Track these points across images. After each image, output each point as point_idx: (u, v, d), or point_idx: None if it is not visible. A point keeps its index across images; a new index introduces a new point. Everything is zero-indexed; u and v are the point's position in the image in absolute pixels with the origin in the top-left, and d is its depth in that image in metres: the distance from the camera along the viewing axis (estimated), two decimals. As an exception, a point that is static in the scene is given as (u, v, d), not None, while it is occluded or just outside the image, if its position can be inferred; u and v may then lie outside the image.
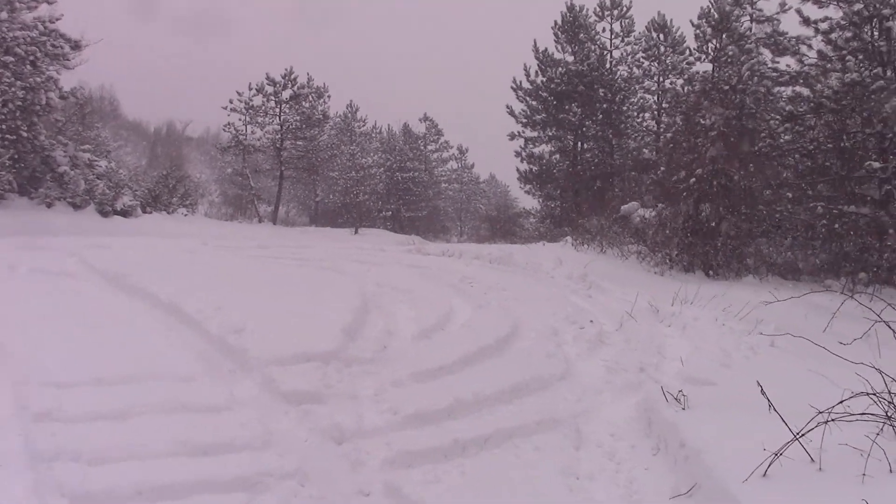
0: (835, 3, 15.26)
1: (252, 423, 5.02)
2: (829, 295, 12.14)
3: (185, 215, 29.31)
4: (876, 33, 15.00)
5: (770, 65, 17.87)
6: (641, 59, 33.03)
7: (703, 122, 14.84)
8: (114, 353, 6.15)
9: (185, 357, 6.30)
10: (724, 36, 22.44)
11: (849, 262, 14.17)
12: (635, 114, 33.44)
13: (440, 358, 6.69)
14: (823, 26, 15.52)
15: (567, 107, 32.32)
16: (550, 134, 33.74)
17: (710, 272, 14.22)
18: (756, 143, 15.53)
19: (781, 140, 16.43)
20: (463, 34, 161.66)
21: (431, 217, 54.92)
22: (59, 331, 6.71)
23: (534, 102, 33.18)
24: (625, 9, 33.15)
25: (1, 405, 4.84)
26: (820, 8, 15.55)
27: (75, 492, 3.95)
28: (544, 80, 32.62)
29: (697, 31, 27.50)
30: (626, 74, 33.35)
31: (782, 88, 18.25)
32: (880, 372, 4.32)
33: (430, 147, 59.79)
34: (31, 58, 21.09)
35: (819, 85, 15.48)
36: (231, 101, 41.12)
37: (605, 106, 32.29)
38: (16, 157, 20.48)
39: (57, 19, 22.25)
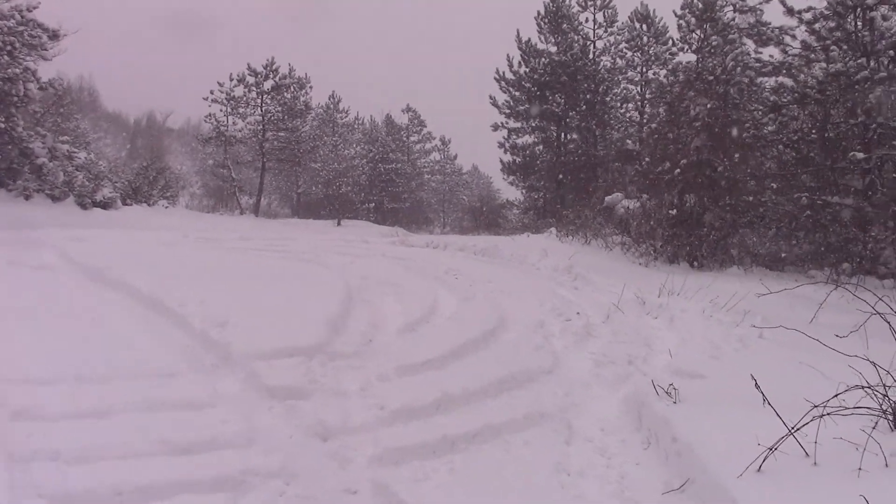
0: (818, -8, 15.25)
1: (236, 419, 4.92)
2: (814, 285, 12.24)
3: (166, 207, 29.04)
4: (859, 23, 14.99)
5: (753, 55, 17.87)
6: (624, 50, 33.02)
7: (691, 112, 14.79)
8: (94, 348, 6.02)
9: (167, 352, 6.17)
10: (707, 26, 22.41)
11: (832, 253, 14.20)
12: (618, 104, 33.45)
13: (426, 351, 6.61)
14: (807, 16, 15.48)
15: (550, 97, 32.25)
16: (534, 125, 33.68)
17: (695, 263, 14.22)
18: (741, 133, 15.52)
19: (765, 131, 16.41)
20: (445, 24, 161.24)
21: (414, 208, 54.80)
22: (37, 326, 6.58)
23: (517, 93, 33.10)
24: (608, -1, 33.13)
25: (-24, 404, 4.71)
26: (803, -3, 15.55)
27: (53, 492, 3.84)
28: (527, 70, 32.53)
29: (681, 22, 27.47)
30: (609, 65, 33.34)
31: (765, 79, 18.26)
32: (874, 365, 4.27)
33: (412, 138, 59.69)
34: (8, 48, 20.77)
35: (802, 75, 15.48)
36: (212, 92, 40.86)
37: (588, 97, 32.25)
38: (-7, 148, 20.21)
39: (34, 8, 21.92)
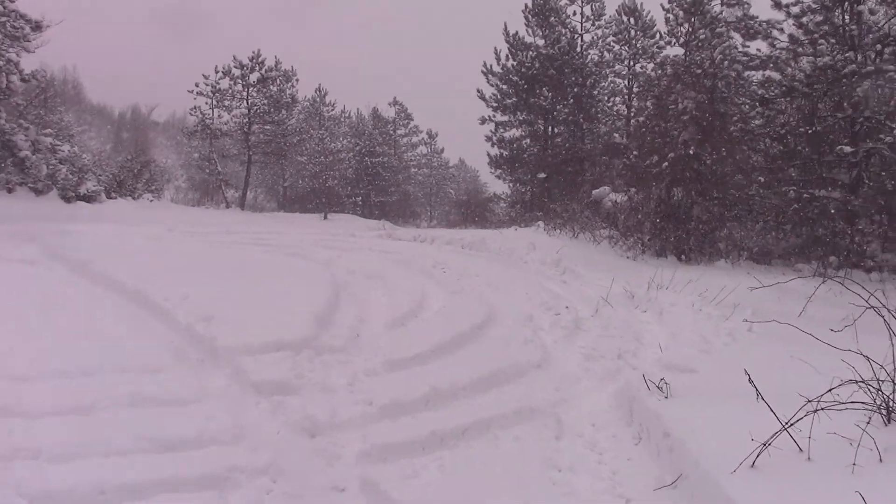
0: (806, -14, 15.27)
1: (221, 415, 4.84)
2: (800, 278, 12.25)
3: (151, 201, 28.76)
4: (847, 17, 15.02)
5: (740, 49, 17.88)
6: (612, 43, 32.98)
7: (679, 105, 14.76)
8: (77, 344, 5.92)
9: (152, 347, 6.08)
10: (695, 20, 22.41)
11: (819, 246, 14.22)
12: (606, 98, 33.42)
13: (415, 346, 6.55)
14: (794, 10, 15.52)
15: (538, 91, 32.19)
16: (521, 118, 33.61)
17: (683, 257, 14.21)
18: (728, 127, 15.52)
19: (753, 124, 16.42)
20: (433, 18, 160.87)
21: (401, 202, 54.62)
22: (18, 321, 6.47)
23: (504, 86, 33.02)
24: (596, -8, 33.05)
25: (-46, 401, 4.61)
26: (791, -9, 15.56)
27: (34, 491, 3.75)
28: (515, 63, 32.45)
29: (668, 15, 27.46)
30: (596, 58, 33.28)
31: (752, 73, 18.28)
32: (868, 359, 4.23)
33: (399, 131, 59.47)
34: (-10, 39, 20.52)
35: (790, 69, 15.49)
36: (197, 85, 40.51)
37: (575, 90, 32.19)
38: (-26, 141, 19.95)
39: (16, -2, 21.64)
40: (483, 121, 33.66)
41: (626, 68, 32.93)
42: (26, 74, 22.63)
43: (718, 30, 18.78)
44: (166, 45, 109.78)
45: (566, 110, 32.91)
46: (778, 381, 4.83)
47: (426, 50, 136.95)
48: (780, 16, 16.01)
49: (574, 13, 33.51)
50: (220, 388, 5.35)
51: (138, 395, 5.00)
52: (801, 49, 15.57)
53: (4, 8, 21.19)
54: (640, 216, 15.56)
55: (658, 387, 5.13)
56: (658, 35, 30.93)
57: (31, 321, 6.50)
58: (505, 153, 33.71)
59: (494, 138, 33.91)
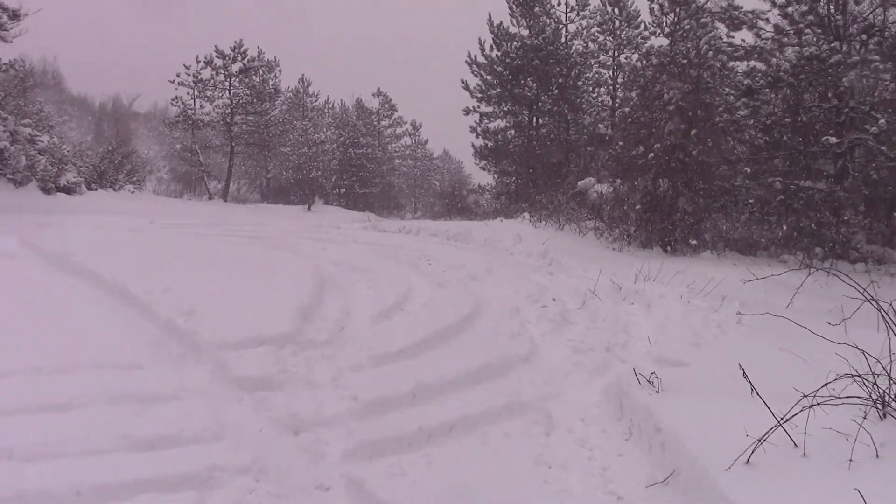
0: (791, -25, 15.22)
1: (203, 413, 4.72)
2: (797, 271, 12.23)
3: (132, 192, 28.50)
4: (832, 7, 14.98)
5: (725, 39, 17.80)
6: (596, 34, 32.83)
7: (665, 95, 14.68)
8: (54, 339, 5.79)
9: (131, 342, 5.95)
10: (680, 10, 22.33)
11: (805, 238, 14.22)
12: (591, 89, 33.28)
13: (401, 339, 6.45)
14: (780, 0, 15.46)
15: (522, 81, 32.05)
16: (506, 109, 33.46)
17: (668, 248, 14.17)
18: (713, 117, 15.47)
19: (738, 115, 16.37)
20: (416, 7, 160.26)
21: (385, 193, 54.44)
22: (-7, 316, 6.31)
23: (489, 77, 32.86)
24: (580, -18, 32.91)
25: (-74, 399, 4.47)
26: (776, -19, 15.51)
27: (7, 492, 3.64)
28: (499, 54, 32.28)
29: (653, 6, 27.35)
30: (581, 49, 33.13)
31: (737, 63, 18.22)
32: (863, 352, 4.15)
33: (383, 122, 59.20)
34: (-34, 28, 20.17)
35: (775, 59, 15.45)
36: (178, 75, 40.07)
37: (560, 81, 32.06)
38: (-49, 132, 19.62)
39: (-8, -13, 21.28)
40: (467, 111, 33.48)
41: (611, 59, 32.82)
42: (4, 64, 22.29)
43: (703, 20, 18.65)
44: (149, 34, 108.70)
45: (551, 101, 32.78)
46: (770, 374, 4.76)
47: (410, 40, 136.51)
48: (764, 6, 15.97)
49: (558, 3, 33.33)
50: (201, 385, 5.23)
51: (117, 392, 4.88)
52: (786, 39, 15.52)
53: (-20, -3, 20.84)
54: (625, 207, 15.51)
55: (649, 381, 5.05)
56: (643, 25, 30.84)
57: (6, 315, 6.35)
58: (490, 144, 33.55)
59: (479, 129, 33.75)
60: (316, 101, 55.76)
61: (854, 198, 13.96)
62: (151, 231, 13.53)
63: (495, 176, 35.12)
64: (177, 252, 10.23)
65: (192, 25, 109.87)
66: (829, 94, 14.31)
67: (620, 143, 16.92)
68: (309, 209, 36.14)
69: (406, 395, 5.21)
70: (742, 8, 17.06)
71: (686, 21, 20.81)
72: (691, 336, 6.95)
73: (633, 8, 31.77)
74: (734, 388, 4.48)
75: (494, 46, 32.38)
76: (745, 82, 15.84)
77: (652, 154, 14.41)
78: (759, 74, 15.95)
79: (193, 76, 40.34)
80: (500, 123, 34.07)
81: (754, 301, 8.30)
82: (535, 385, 5.63)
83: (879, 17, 14.63)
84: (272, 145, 45.00)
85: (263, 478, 4.08)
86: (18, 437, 4.12)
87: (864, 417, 3.87)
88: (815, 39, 14.65)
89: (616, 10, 32.01)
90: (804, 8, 15.15)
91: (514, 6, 32.70)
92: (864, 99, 14.49)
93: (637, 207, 14.78)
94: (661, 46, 23.89)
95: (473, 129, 33.71)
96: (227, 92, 40.95)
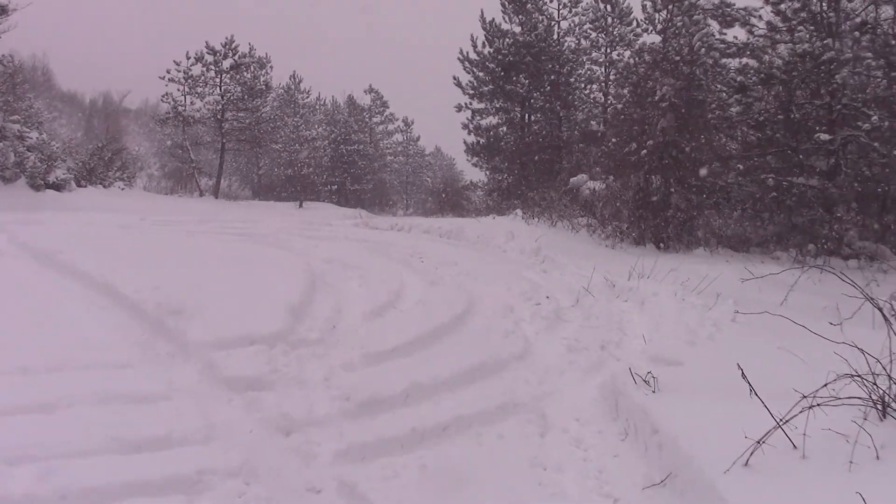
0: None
1: (192, 413, 4.64)
2: (779, 266, 12.20)
3: (123, 189, 28.30)
4: (824, 4, 14.96)
5: (718, 36, 17.78)
6: (589, 31, 32.79)
7: (658, 92, 14.63)
8: (41, 338, 5.69)
9: (120, 341, 5.86)
10: (673, 6, 22.29)
11: (797, 234, 14.21)
12: (583, 85, 33.23)
13: (393, 338, 6.37)
14: (773, -4, 15.45)
15: (515, 78, 31.99)
16: (498, 106, 33.39)
17: (661, 245, 14.14)
18: (706, 114, 15.45)
19: (730, 112, 16.36)
20: (408, 4, 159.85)
21: (377, 190, 54.26)
22: (-21, 315, 6.21)
23: (481, 74, 32.78)
24: (572, -22, 32.85)
25: None
26: (769, -23, 15.49)
27: (-10, 496, 3.54)
28: (491, 50, 32.20)
29: (645, 2, 27.33)
30: (573, 45, 33.09)
31: (729, 60, 18.20)
32: (862, 352, 4.10)
33: (375, 119, 59.09)
34: (-47, 23, 19.98)
35: (767, 56, 15.43)
36: (169, 71, 39.79)
37: (552, 77, 32.01)
38: (-62, 128, 19.44)
39: (-20, -19, 21.09)
40: (459, 108, 33.40)
41: (603, 55, 32.80)
42: (-7, 60, 22.12)
43: (696, 17, 18.62)
44: (138, 25, 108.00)
45: (543, 98, 32.73)
46: (767, 373, 4.70)
47: (402, 36, 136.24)
48: (757, 3, 15.95)
49: (551, 0, 33.32)
50: (190, 385, 5.15)
51: (105, 393, 4.79)
52: (778, 36, 15.50)
53: (-33, -9, 20.66)
54: (618, 204, 15.48)
55: (645, 380, 4.98)
56: (635, 22, 30.84)
57: (-7, 315, 6.24)
58: (482, 141, 33.48)
59: (471, 126, 33.66)
60: (307, 97, 55.54)
61: (846, 194, 13.95)
62: (141, 228, 13.43)
63: (487, 173, 35.05)
64: (167, 250, 10.13)
65: (184, 21, 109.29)
66: (822, 91, 14.29)
67: (613, 139, 16.90)
68: (300, 206, 35.99)
69: (399, 395, 5.14)
70: (734, 5, 17.03)
71: (679, 18, 20.75)
72: (686, 334, 6.89)
73: (625, 5, 31.78)
74: (731, 388, 4.42)
75: (486, 43, 32.30)
76: (738, 79, 15.83)
77: (645, 151, 14.38)
78: (752, 71, 15.93)
79: (184, 72, 40.10)
80: (493, 120, 33.99)
81: (749, 298, 8.25)
82: (530, 384, 5.57)
83: (871, 15, 14.62)
84: (263, 142, 44.80)
85: (254, 480, 4.00)
86: (3, 438, 4.03)
87: (865, 418, 3.81)
88: (807, 36, 14.63)
89: (608, 7, 31.99)
90: (797, 5, 15.14)
91: (507, 3, 32.63)
92: (857, 96, 14.48)
93: (629, 204, 14.76)
94: (653, 43, 23.92)
95: (465, 126, 33.62)
96: (218, 88, 40.70)
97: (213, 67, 40.41)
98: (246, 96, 41.15)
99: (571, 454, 4.52)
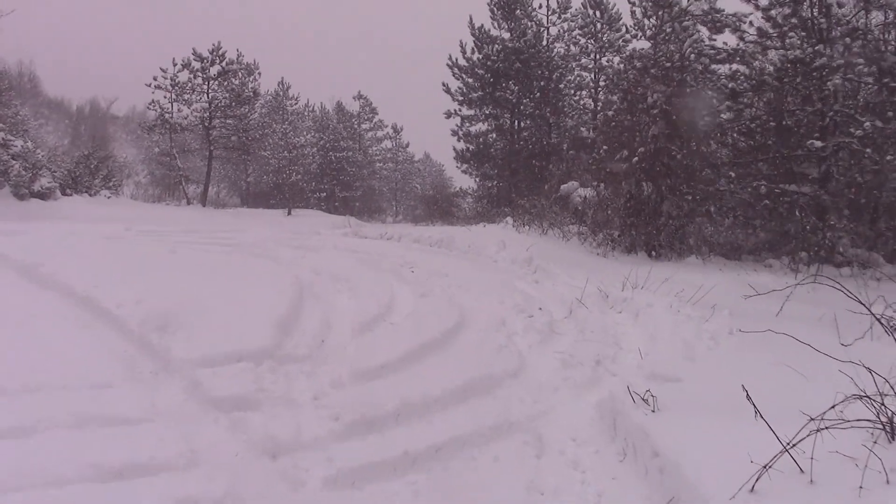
0: (774, -22, 15.12)
1: (175, 437, 4.45)
2: (772, 274, 12.12)
3: (109, 197, 28.04)
4: (815, 10, 14.90)
5: (707, 42, 17.71)
6: (578, 37, 32.80)
7: (649, 99, 14.53)
8: (17, 356, 5.50)
9: (102, 359, 5.66)
10: (663, 12, 22.26)
11: (790, 242, 14.13)
12: (572, 92, 33.24)
13: (384, 354, 6.20)
14: (763, 2, 15.36)
15: (504, 84, 31.93)
16: (487, 112, 33.32)
17: (653, 253, 14.02)
18: (697, 121, 15.35)
19: (721, 118, 16.28)
20: (397, 10, 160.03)
21: (366, 197, 54.09)
22: (-46, 333, 6.01)
23: (470, 80, 32.70)
24: (561, -15, 32.85)
25: None
26: (759, -17, 15.41)
27: (-39, 531, 3.37)
28: (481, 57, 32.14)
29: (634, 8, 27.34)
30: (562, 52, 33.09)
31: (719, 66, 18.13)
32: (870, 371, 3.96)
33: (364, 126, 58.97)
34: (-64, 30, 19.72)
35: (758, 62, 15.36)
36: (155, 78, 39.54)
37: (542, 84, 31.98)
38: (-80, 136, 19.17)
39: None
40: (449, 115, 33.32)
41: (593, 62, 32.79)
42: (-24, 67, 21.85)
43: (685, 23, 18.56)
44: (126, 32, 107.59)
45: (532, 104, 32.68)
46: (768, 391, 4.55)
47: (391, 43, 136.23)
48: (747, 9, 15.86)
49: (540, 6, 33.32)
50: (174, 405, 4.96)
51: (84, 415, 4.60)
52: (769, 42, 15.43)
53: (-49, -2, 20.41)
54: (609, 212, 15.36)
55: (644, 399, 4.83)
56: (624, 28, 30.85)
57: (-33, 331, 6.05)
58: (471, 147, 33.39)
59: (461, 132, 33.60)
60: (296, 104, 55.37)
61: (838, 201, 13.88)
62: (127, 238, 13.20)
63: (477, 179, 34.99)
64: (152, 261, 9.91)
65: (171, 28, 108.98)
66: (814, 98, 14.23)
67: (604, 146, 16.79)
68: (289, 214, 35.77)
69: (390, 415, 4.97)
70: (724, 11, 16.96)
71: (668, 24, 20.70)
72: (684, 349, 6.73)
73: (614, 11, 31.81)
74: (732, 407, 4.28)
75: (476, 49, 32.27)
76: (730, 85, 15.75)
77: (636, 158, 14.27)
78: (743, 77, 15.86)
79: (171, 79, 39.85)
80: (482, 127, 33.96)
81: (744, 310, 8.14)
82: (525, 403, 5.41)
83: (862, 20, 14.58)
84: (251, 149, 44.57)
85: (239, 509, 3.83)
86: (-25, 466, 3.85)
87: (875, 442, 3.67)
88: (798, 42, 14.56)
89: (597, 13, 32.00)
90: (787, 11, 15.06)
91: (495, 9, 32.60)
92: (849, 102, 14.43)
93: (620, 212, 14.64)
94: (643, 49, 23.86)
95: (455, 133, 33.56)
96: (206, 95, 40.47)
97: (200, 74, 40.20)
98: (234, 103, 40.95)
99: (569, 477, 4.36)
